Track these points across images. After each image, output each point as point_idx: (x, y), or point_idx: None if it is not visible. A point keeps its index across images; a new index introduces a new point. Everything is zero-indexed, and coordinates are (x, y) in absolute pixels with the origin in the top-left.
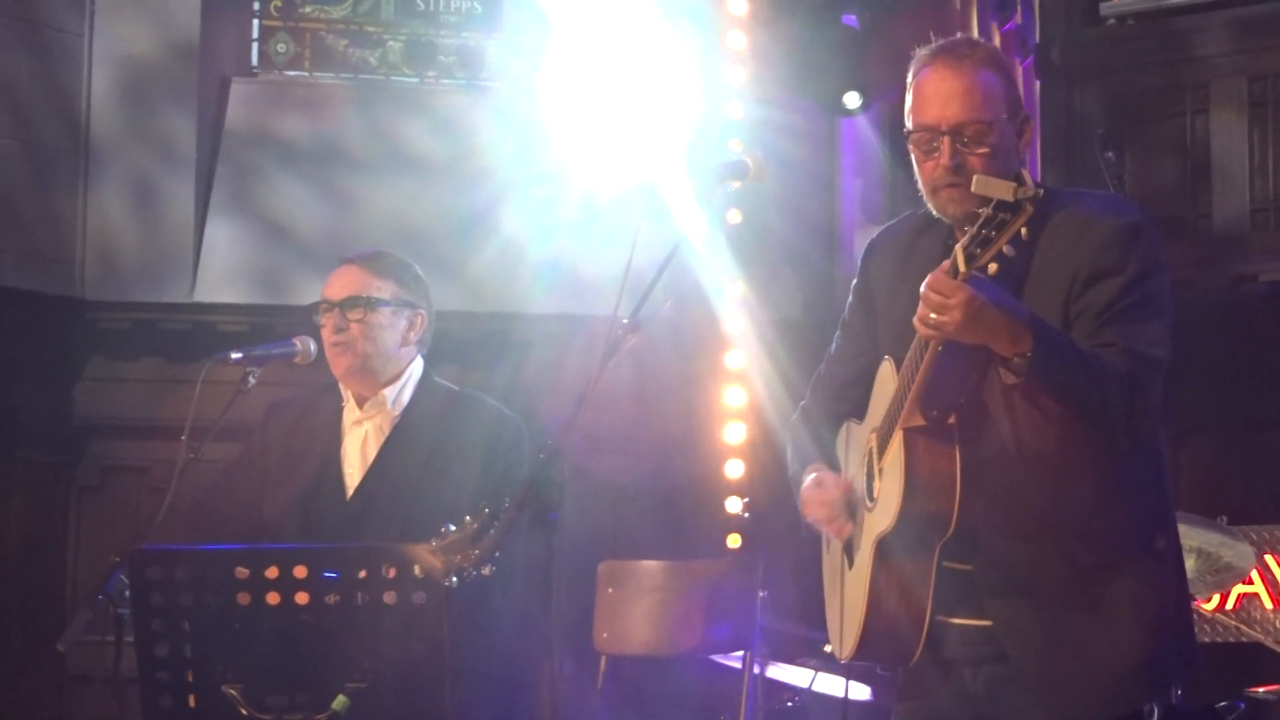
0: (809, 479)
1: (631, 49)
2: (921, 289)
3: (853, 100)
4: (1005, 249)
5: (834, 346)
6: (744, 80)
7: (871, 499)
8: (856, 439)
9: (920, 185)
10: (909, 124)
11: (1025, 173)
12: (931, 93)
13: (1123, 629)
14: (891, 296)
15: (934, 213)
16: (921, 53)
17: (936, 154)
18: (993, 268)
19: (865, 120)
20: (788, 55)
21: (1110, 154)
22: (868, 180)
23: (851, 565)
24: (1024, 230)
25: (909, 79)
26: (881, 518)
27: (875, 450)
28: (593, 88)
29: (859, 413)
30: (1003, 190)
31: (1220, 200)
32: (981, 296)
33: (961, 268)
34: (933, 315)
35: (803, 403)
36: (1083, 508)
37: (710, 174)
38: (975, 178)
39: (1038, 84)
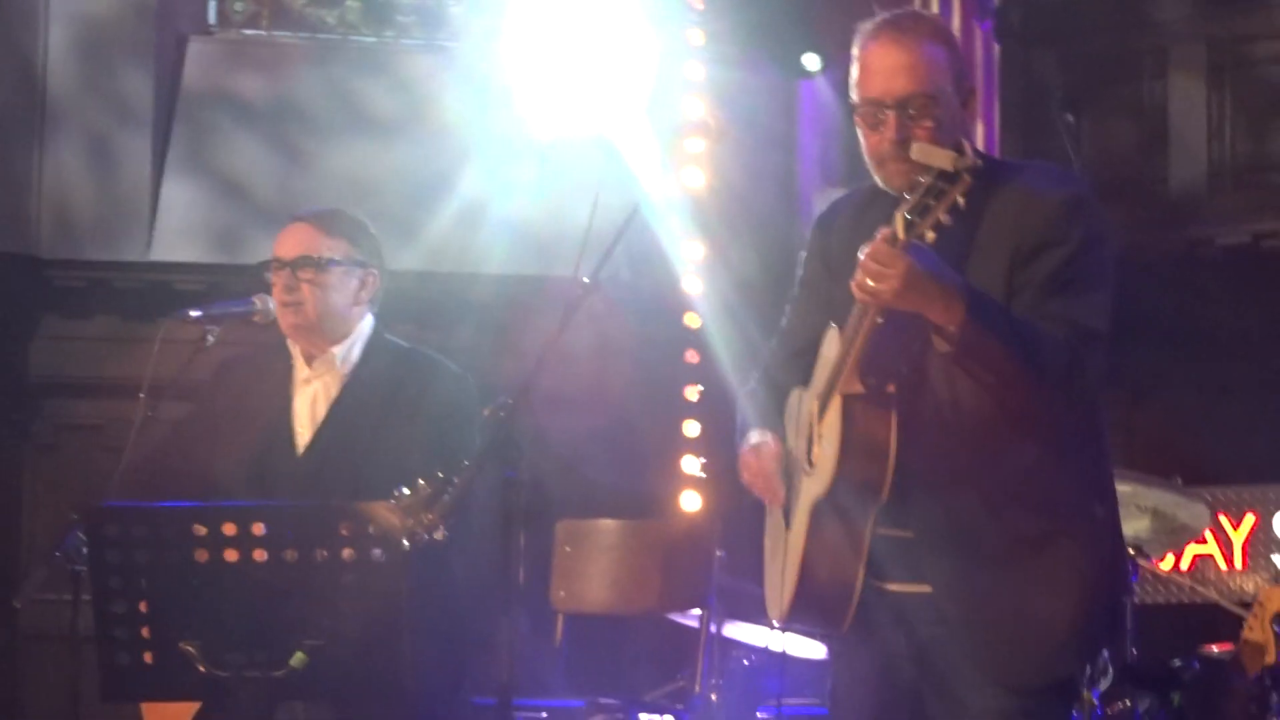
0: (750, 441)
1: (591, 9)
2: (860, 256)
3: (812, 62)
4: (943, 218)
5: (785, 319)
6: (703, 41)
7: (810, 464)
8: (800, 404)
9: (866, 158)
10: (854, 97)
11: (965, 143)
12: (877, 66)
13: (1060, 596)
14: (841, 268)
15: (880, 185)
16: (866, 26)
17: (882, 127)
18: (930, 236)
19: (824, 81)
20: (747, 16)
21: (1069, 117)
22: (826, 141)
23: (790, 529)
24: (961, 199)
25: (854, 52)
26: (817, 482)
27: (815, 415)
28: (552, 48)
29: (806, 383)
30: (942, 159)
31: (1177, 164)
32: (919, 265)
33: (900, 235)
34: (870, 282)
35: (755, 374)
36: (1021, 475)
37: (671, 134)
38: (915, 146)
39: (997, 47)
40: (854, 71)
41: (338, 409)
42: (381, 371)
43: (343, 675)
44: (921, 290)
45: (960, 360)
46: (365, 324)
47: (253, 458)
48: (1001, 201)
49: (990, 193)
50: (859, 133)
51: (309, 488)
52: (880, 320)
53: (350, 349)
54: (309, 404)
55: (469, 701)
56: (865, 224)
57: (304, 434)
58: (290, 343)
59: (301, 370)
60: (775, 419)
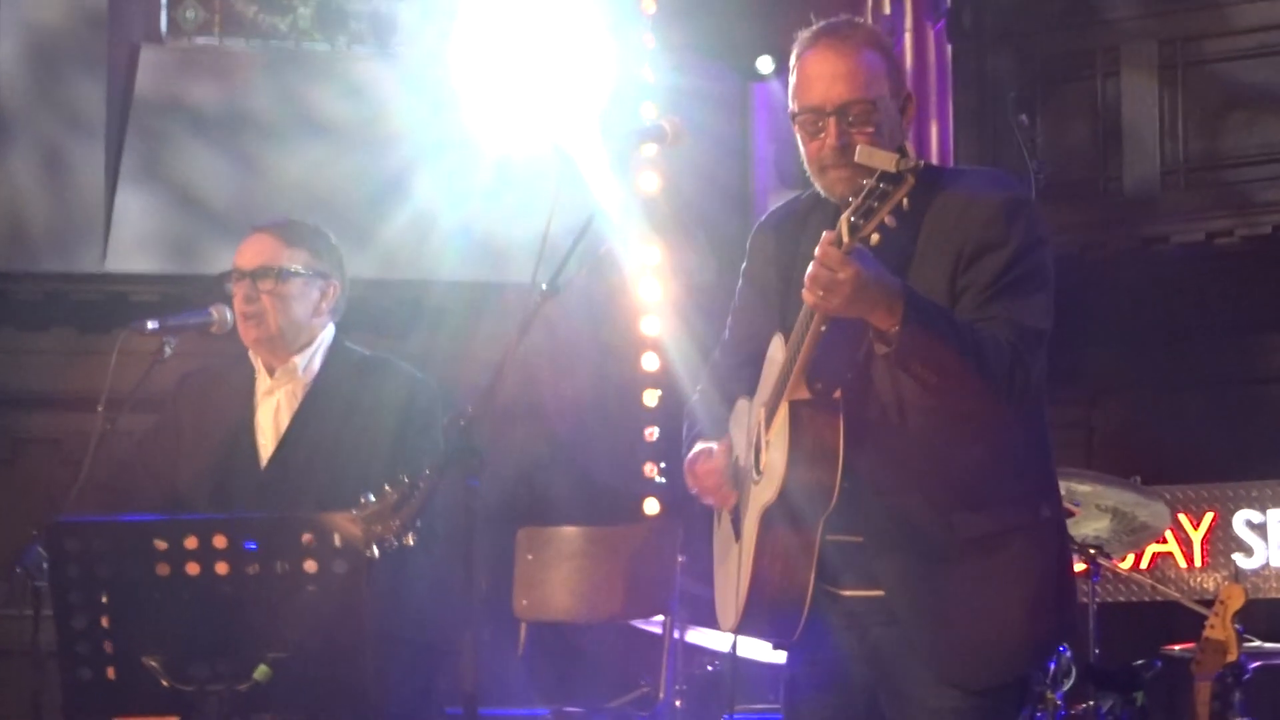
0: (695, 450)
1: (543, 14)
2: (810, 265)
3: (765, 64)
4: (888, 219)
5: (726, 332)
6: (656, 44)
7: (758, 472)
8: (745, 413)
9: (806, 166)
10: (793, 106)
11: (908, 145)
12: (815, 73)
13: (1012, 597)
14: (784, 278)
15: (821, 193)
16: (804, 34)
17: (822, 134)
18: (875, 238)
19: (778, 84)
20: (700, 19)
21: (1023, 117)
22: (781, 144)
23: (739, 538)
24: (906, 201)
25: (791, 60)
26: (766, 489)
27: (763, 423)
28: (504, 53)
29: (752, 392)
30: (886, 161)
31: (1131, 162)
32: (867, 270)
33: (845, 238)
34: (821, 291)
35: (698, 387)
36: (968, 478)
37: (625, 139)
38: (859, 148)
39: (949, 47)
40: (792, 80)
41: (300, 419)
42: (343, 379)
43: (308, 686)
44: (868, 296)
45: (900, 362)
46: (326, 333)
47: (216, 470)
48: (941, 206)
49: (930, 198)
50: (799, 141)
51: (273, 499)
52: (825, 326)
53: (311, 358)
54: (271, 415)
55: (440, 710)
56: (807, 232)
57: (267, 445)
58: (252, 354)
59: (263, 381)
60: (721, 428)
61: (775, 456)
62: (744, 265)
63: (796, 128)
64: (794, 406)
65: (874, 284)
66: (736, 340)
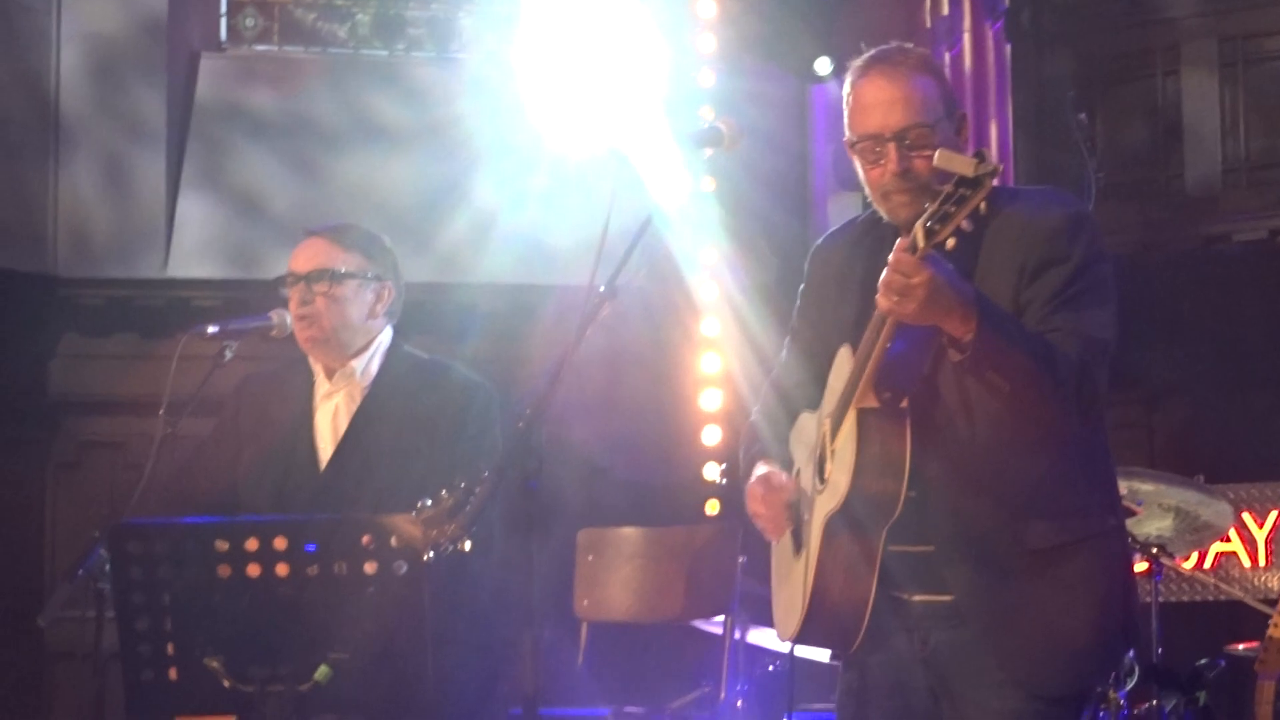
0: (758, 473)
1: (601, 18)
2: (885, 271)
3: (824, 66)
4: (964, 224)
5: (784, 352)
6: (714, 48)
7: (822, 481)
8: (808, 428)
9: (868, 192)
10: (850, 135)
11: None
12: (871, 101)
13: (1083, 607)
14: (840, 300)
15: (884, 217)
16: (856, 63)
17: (883, 161)
18: (951, 243)
19: (836, 85)
20: (758, 22)
21: (1082, 116)
22: (839, 146)
23: (799, 551)
24: (984, 206)
25: (845, 90)
26: (831, 498)
27: (829, 434)
28: (563, 58)
29: (815, 406)
30: (964, 165)
31: (1192, 161)
32: (940, 276)
33: (920, 243)
34: (895, 295)
35: (757, 405)
36: (1035, 489)
37: (683, 142)
38: (939, 152)
39: (1008, 47)
40: (847, 110)
41: (358, 422)
42: (401, 383)
43: (368, 687)
44: (943, 302)
45: (974, 369)
46: (384, 336)
47: (275, 472)
48: (1002, 224)
49: (991, 216)
50: (858, 169)
51: (332, 502)
52: (895, 334)
53: (369, 362)
54: (330, 418)
55: (502, 711)
56: (862, 250)
57: (326, 448)
58: (310, 358)
59: (322, 385)
60: (782, 446)
61: (841, 466)
62: (801, 286)
63: (855, 156)
64: (861, 414)
65: (948, 289)
66: (797, 359)
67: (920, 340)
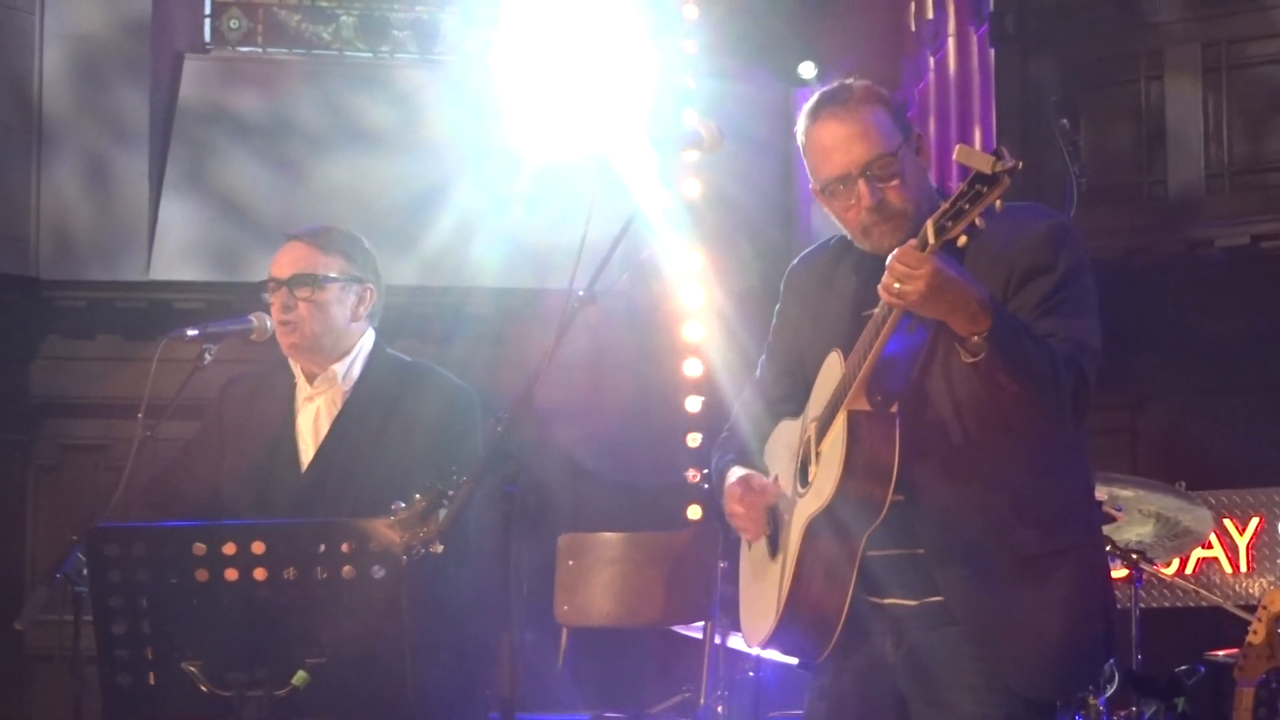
0: (735, 475)
1: (585, 22)
2: (889, 260)
3: (808, 70)
4: (978, 222)
5: (759, 370)
6: (698, 51)
7: (805, 484)
8: (789, 434)
9: (849, 233)
10: (817, 182)
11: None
12: (830, 143)
13: (1066, 614)
14: (816, 318)
15: (868, 251)
16: (805, 109)
17: (855, 199)
18: (963, 240)
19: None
20: (741, 26)
21: (1065, 121)
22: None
23: (774, 554)
24: (999, 204)
25: (799, 138)
26: (815, 500)
27: (814, 437)
28: (546, 61)
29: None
30: (982, 162)
31: (1175, 166)
32: (947, 270)
33: (931, 239)
34: (896, 285)
35: (731, 418)
36: (1023, 496)
37: (665, 145)
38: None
39: (992, 52)
40: (807, 159)
41: (340, 425)
42: (382, 386)
43: (346, 692)
44: (949, 296)
45: (985, 370)
46: (366, 339)
47: (257, 476)
48: (986, 236)
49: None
50: (830, 214)
51: (313, 504)
52: (889, 341)
53: (351, 365)
54: (311, 421)
55: (483, 716)
56: (845, 267)
57: (307, 451)
58: (291, 361)
59: (303, 388)
60: (755, 461)
61: (828, 467)
62: (778, 305)
63: (825, 201)
64: (852, 416)
65: (958, 284)
66: (774, 376)
67: (913, 346)
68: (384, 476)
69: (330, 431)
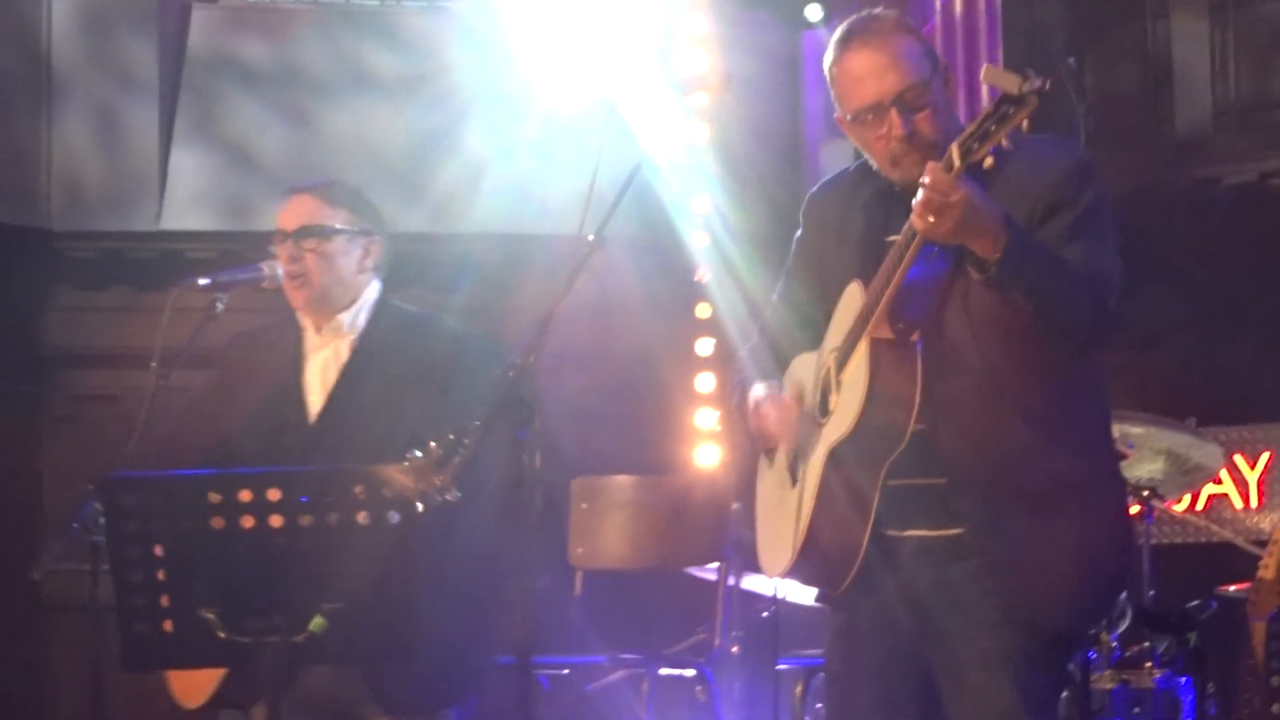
0: (757, 393)
1: None
2: (922, 181)
3: (814, 12)
4: (1004, 142)
5: (776, 295)
6: None
7: (825, 413)
8: (807, 365)
9: (877, 163)
10: (844, 111)
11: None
12: (861, 72)
13: (1084, 547)
14: (838, 250)
15: (896, 181)
16: (834, 38)
17: (887, 127)
18: (989, 161)
19: (828, 33)
20: None
21: (1071, 61)
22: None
23: (795, 483)
24: (1025, 124)
25: (827, 68)
26: (837, 427)
27: (834, 367)
28: (554, 5)
29: (814, 346)
30: (1010, 83)
31: (1182, 105)
32: (976, 196)
33: (956, 162)
34: (931, 215)
35: (748, 344)
36: (1045, 425)
37: (673, 89)
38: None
39: None
40: (835, 88)
41: (347, 375)
42: (389, 336)
43: (363, 638)
44: (975, 221)
45: (1001, 288)
46: (371, 290)
47: (266, 426)
48: (1008, 169)
49: (996, 163)
50: (860, 144)
51: (323, 455)
52: (915, 259)
53: (357, 315)
54: (320, 371)
55: (496, 660)
56: (859, 202)
57: (316, 401)
58: (299, 313)
59: (311, 339)
60: (773, 385)
61: (849, 395)
62: (798, 233)
63: (853, 130)
64: (874, 344)
65: (982, 208)
66: (793, 303)
67: (935, 273)
68: (393, 424)
69: (338, 381)
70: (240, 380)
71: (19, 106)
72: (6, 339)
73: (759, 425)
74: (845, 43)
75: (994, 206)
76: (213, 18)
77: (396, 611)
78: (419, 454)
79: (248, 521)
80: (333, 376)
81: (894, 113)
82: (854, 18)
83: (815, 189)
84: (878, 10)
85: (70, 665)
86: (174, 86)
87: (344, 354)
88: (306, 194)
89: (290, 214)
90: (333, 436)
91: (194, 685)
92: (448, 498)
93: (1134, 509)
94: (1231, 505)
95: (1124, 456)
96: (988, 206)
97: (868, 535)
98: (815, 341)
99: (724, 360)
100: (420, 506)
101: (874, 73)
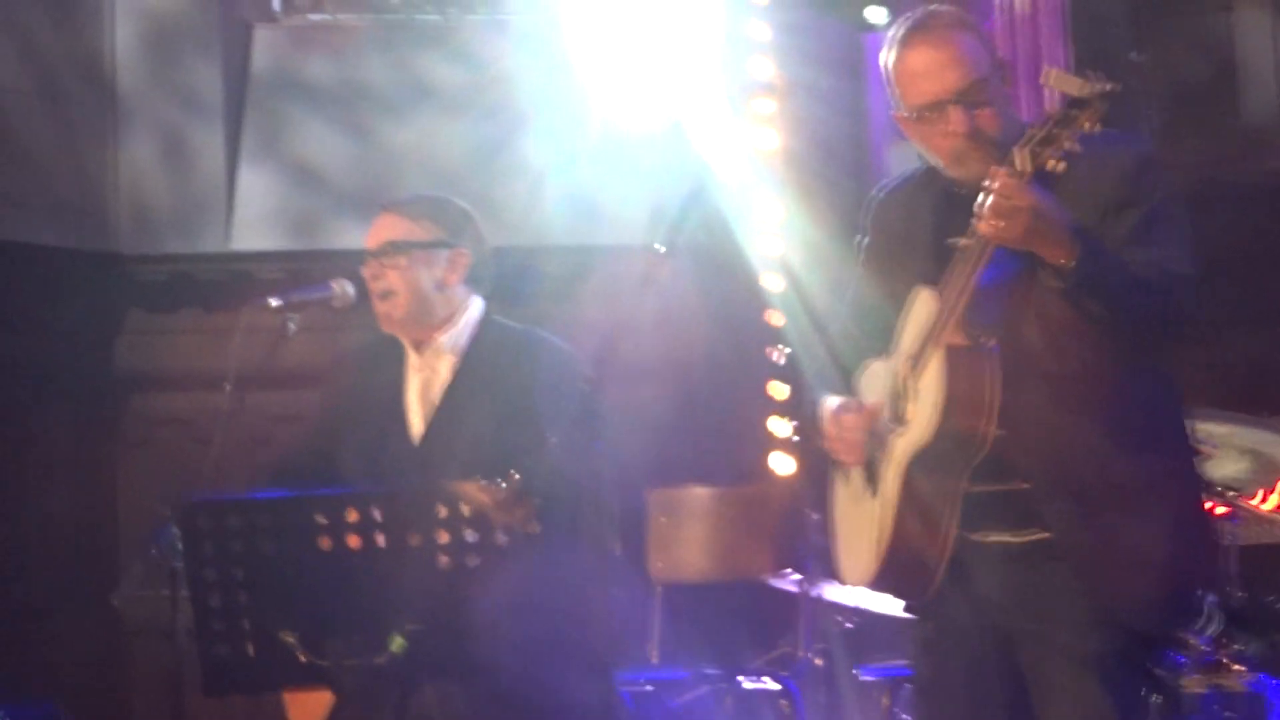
0: (834, 402)
1: None
2: (987, 192)
3: (876, 14)
4: (1071, 145)
5: (845, 305)
6: (768, 2)
7: (902, 422)
8: (878, 373)
9: (937, 161)
10: (904, 109)
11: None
12: (922, 69)
13: (1171, 546)
14: (906, 255)
15: (957, 182)
16: (893, 35)
17: (950, 124)
18: (1061, 167)
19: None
20: None
21: (1135, 53)
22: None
23: (875, 493)
24: (1089, 126)
25: (885, 65)
26: (914, 437)
27: (908, 374)
28: (614, 16)
29: (883, 352)
30: (1072, 85)
31: (1247, 96)
32: (1044, 201)
33: (1025, 166)
34: (1000, 220)
35: (821, 350)
36: (1127, 421)
37: (735, 98)
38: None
39: None
40: (895, 85)
41: (451, 396)
42: (492, 355)
43: (442, 657)
44: (1043, 227)
45: (1074, 296)
46: (472, 307)
47: (370, 447)
48: (1074, 169)
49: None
50: (920, 142)
51: (425, 476)
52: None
53: (459, 334)
54: (421, 392)
55: (579, 675)
56: (925, 205)
57: (418, 422)
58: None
59: (412, 358)
60: (841, 386)
61: (926, 403)
62: (864, 240)
63: (914, 128)
64: (950, 351)
65: (1052, 214)
66: (860, 311)
67: (1007, 277)
68: (497, 447)
69: (442, 402)
70: (345, 401)
71: (86, 131)
72: (79, 364)
73: (832, 433)
74: (904, 40)
75: (1062, 213)
76: (275, 36)
77: (478, 631)
78: (501, 483)
79: (325, 543)
80: (436, 397)
81: (956, 109)
82: (912, 14)
83: (877, 192)
84: (936, 6)
85: (151, 690)
86: (239, 106)
87: (445, 374)
88: (389, 211)
89: (373, 232)
90: (436, 458)
91: (306, 710)
92: (528, 529)
93: (1219, 510)
94: None
95: (1205, 455)
96: (1056, 213)
97: (950, 545)
98: (882, 348)
99: (795, 369)
100: (503, 539)
101: (934, 70)
